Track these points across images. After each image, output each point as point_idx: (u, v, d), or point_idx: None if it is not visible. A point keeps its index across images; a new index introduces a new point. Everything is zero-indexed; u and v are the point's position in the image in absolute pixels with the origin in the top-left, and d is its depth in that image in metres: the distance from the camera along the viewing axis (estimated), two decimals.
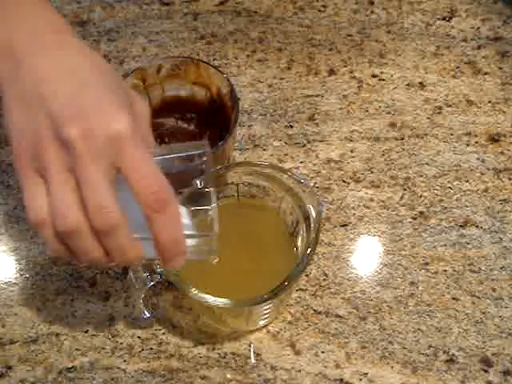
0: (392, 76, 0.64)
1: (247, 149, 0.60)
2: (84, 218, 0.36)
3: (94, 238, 0.37)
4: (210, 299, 0.43)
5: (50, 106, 0.36)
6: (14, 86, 0.37)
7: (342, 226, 0.57)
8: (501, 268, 0.54)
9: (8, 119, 0.37)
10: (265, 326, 0.52)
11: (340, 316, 0.52)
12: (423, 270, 0.54)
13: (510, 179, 0.58)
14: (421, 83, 0.64)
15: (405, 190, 0.58)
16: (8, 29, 0.38)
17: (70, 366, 0.51)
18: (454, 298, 0.53)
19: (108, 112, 0.36)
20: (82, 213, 0.36)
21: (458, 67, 0.65)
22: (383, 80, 0.64)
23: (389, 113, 0.62)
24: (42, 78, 0.37)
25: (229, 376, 0.50)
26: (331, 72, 0.65)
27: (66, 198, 0.36)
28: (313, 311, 0.53)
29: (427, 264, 0.54)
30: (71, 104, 0.36)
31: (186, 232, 0.39)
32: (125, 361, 0.51)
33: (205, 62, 0.53)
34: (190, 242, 0.40)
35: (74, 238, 0.36)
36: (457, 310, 0.53)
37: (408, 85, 0.64)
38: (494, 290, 0.53)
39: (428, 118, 0.62)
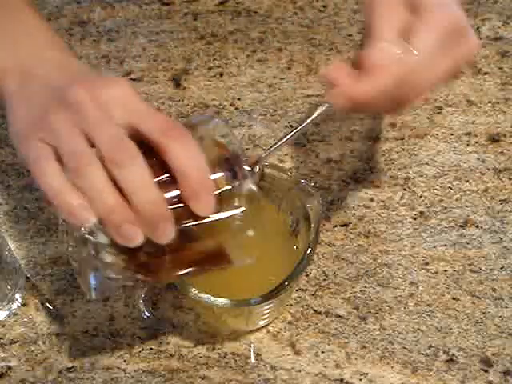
0: None
1: (247, 149, 0.60)
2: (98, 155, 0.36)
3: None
4: (210, 299, 0.43)
5: (56, 85, 0.39)
6: (22, 91, 0.41)
7: (342, 225, 0.56)
8: (501, 268, 0.54)
9: (13, 115, 0.40)
10: (265, 325, 0.52)
11: (340, 316, 0.52)
12: (423, 270, 0.54)
13: (510, 179, 0.58)
14: None
15: (405, 190, 0.58)
16: (16, 53, 0.43)
17: (69, 366, 0.51)
18: (454, 298, 0.53)
19: (108, 79, 0.40)
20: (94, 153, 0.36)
21: None
22: None
23: None
24: (47, 82, 0.41)
25: (229, 376, 0.50)
26: None
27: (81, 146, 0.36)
28: (313, 311, 0.53)
29: (427, 264, 0.54)
30: (76, 79, 0.40)
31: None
32: (125, 361, 0.51)
33: None
34: None
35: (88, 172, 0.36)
36: (457, 310, 0.53)
37: None
38: (494, 290, 0.53)
39: (428, 118, 0.62)
